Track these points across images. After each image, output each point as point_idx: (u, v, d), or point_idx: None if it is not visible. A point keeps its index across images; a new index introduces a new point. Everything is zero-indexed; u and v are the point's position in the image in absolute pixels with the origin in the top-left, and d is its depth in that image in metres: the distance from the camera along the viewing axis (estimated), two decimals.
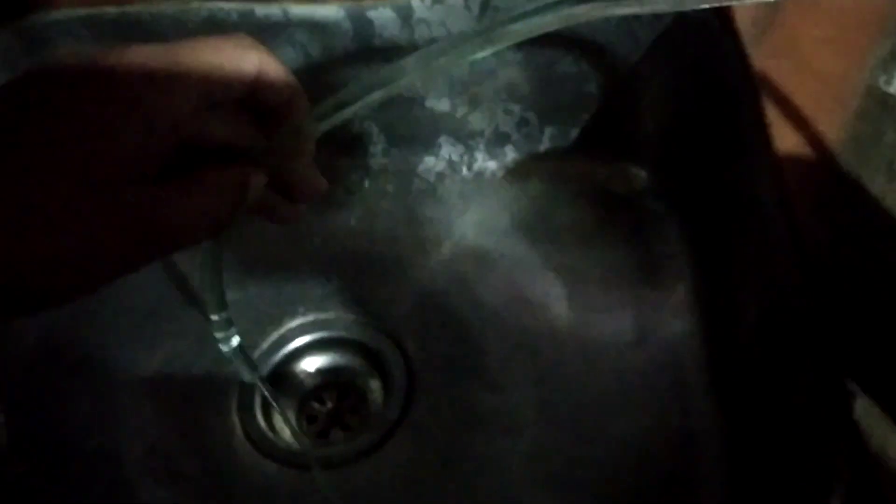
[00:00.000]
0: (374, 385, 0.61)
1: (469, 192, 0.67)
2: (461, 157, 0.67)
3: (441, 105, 0.64)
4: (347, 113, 0.32)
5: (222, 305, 0.39)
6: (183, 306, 0.61)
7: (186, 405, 0.58)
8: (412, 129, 0.65)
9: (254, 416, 0.58)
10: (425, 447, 0.57)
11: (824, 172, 0.41)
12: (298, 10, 0.57)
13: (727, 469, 0.51)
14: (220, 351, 0.42)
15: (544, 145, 0.66)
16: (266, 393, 0.45)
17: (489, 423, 0.58)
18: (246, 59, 0.30)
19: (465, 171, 0.67)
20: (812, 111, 0.43)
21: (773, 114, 0.43)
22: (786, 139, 0.42)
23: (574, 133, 0.65)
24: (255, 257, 0.63)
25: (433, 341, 0.61)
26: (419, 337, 0.61)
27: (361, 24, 0.57)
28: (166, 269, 0.61)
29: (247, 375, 0.43)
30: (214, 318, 0.39)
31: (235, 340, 0.41)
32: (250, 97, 0.31)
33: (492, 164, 0.67)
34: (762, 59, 0.46)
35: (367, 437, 0.58)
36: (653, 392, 0.57)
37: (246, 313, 0.61)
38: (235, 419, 0.58)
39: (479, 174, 0.67)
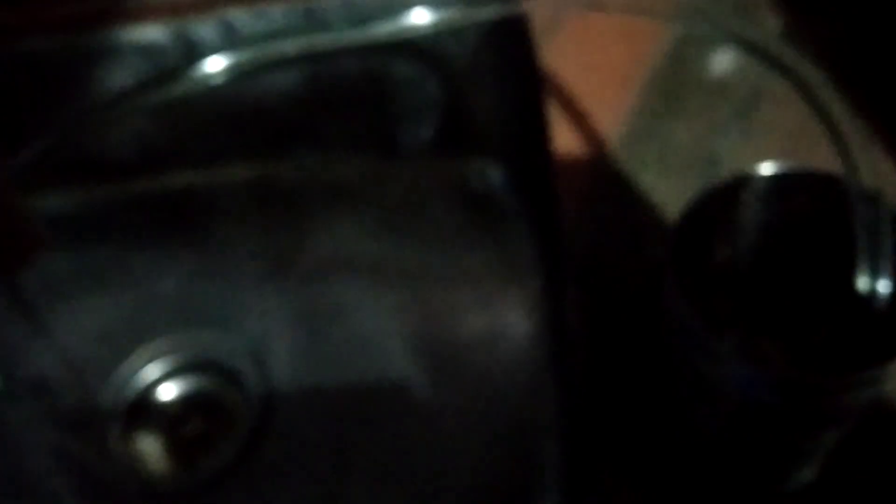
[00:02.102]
0: (239, 404, 0.61)
1: (328, 199, 0.67)
2: (317, 164, 0.66)
3: (293, 113, 0.64)
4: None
5: None
6: (40, 339, 0.61)
7: (48, 437, 0.59)
8: (264, 138, 0.65)
9: (113, 446, 0.58)
10: (284, 463, 0.57)
11: (599, 168, 0.41)
12: (125, 35, 0.56)
13: (566, 458, 0.52)
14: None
15: (398, 148, 0.66)
16: None
17: (350, 427, 0.58)
18: None
19: (323, 178, 0.67)
20: (596, 107, 0.43)
21: (558, 111, 0.43)
22: (567, 136, 0.42)
23: (426, 133, 0.65)
24: (110, 287, 0.63)
25: (293, 354, 0.61)
26: (279, 350, 0.61)
27: (185, 43, 0.57)
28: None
29: None
30: None
31: None
32: None
33: (349, 171, 0.67)
34: (553, 55, 0.45)
35: (227, 457, 0.58)
36: (505, 390, 0.57)
37: (104, 342, 0.61)
38: (95, 448, 0.58)
39: (337, 181, 0.66)
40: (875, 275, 0.25)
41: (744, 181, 0.28)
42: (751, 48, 0.30)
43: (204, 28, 0.56)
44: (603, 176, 0.41)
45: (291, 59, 0.34)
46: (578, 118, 0.43)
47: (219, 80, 0.35)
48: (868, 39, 0.46)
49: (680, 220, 0.27)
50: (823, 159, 0.41)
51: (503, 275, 0.62)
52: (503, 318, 0.60)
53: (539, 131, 0.46)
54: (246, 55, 0.34)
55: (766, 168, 0.29)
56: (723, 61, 0.45)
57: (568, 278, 0.49)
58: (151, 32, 0.57)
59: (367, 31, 0.34)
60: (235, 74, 0.35)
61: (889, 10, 0.47)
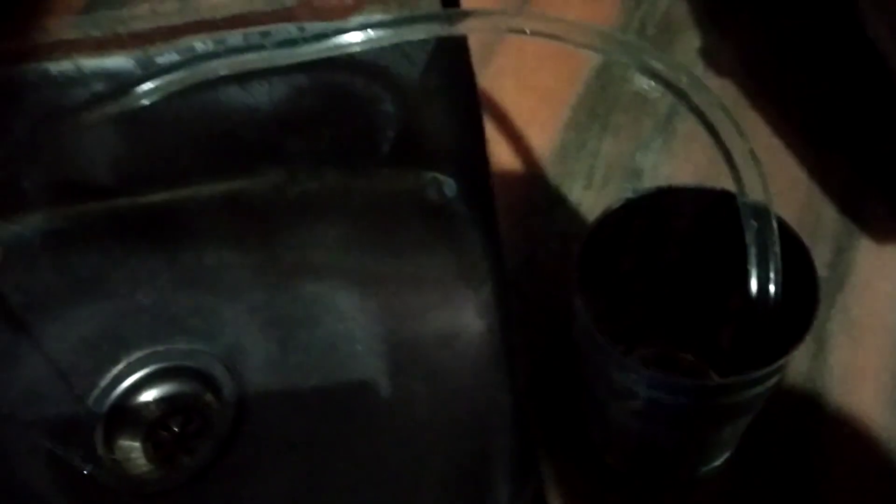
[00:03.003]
0: (214, 407, 0.65)
1: (296, 212, 0.70)
2: (284, 180, 0.70)
3: (260, 134, 0.67)
4: None
5: None
6: (24, 349, 0.65)
7: (30, 444, 0.62)
8: (232, 157, 0.68)
9: (95, 451, 0.61)
10: (258, 463, 0.61)
11: (531, 182, 0.44)
12: (89, 63, 0.59)
13: (518, 445, 0.56)
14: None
15: (359, 164, 0.69)
16: None
17: (321, 426, 0.61)
18: None
19: (289, 193, 0.70)
20: (529, 126, 0.46)
21: (494, 130, 0.47)
22: (503, 152, 0.46)
23: (385, 148, 0.68)
24: (88, 299, 0.66)
25: (265, 360, 0.64)
26: (252, 357, 0.64)
27: (150, 69, 0.60)
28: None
29: None
30: None
31: None
32: None
33: (314, 185, 0.70)
34: (489, 78, 0.49)
35: (204, 457, 0.61)
36: (464, 384, 0.61)
37: (84, 353, 0.65)
38: (77, 454, 0.61)
39: (303, 195, 0.70)
40: (765, 279, 0.29)
41: (644, 199, 0.31)
42: (657, 78, 0.33)
43: (168, 55, 0.59)
44: (535, 189, 0.45)
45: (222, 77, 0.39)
46: (515, 135, 0.47)
47: (153, 98, 0.38)
48: (784, 53, 0.50)
49: (585, 237, 0.30)
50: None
51: (459, 278, 0.66)
52: (460, 318, 0.64)
53: (480, 147, 0.49)
54: (177, 76, 0.38)
55: (662, 187, 0.32)
56: (643, 79, 0.48)
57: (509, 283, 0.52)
58: (117, 60, 0.60)
59: (295, 51, 0.37)
60: (166, 95, 0.39)
61: (803, 26, 0.50)
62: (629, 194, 0.31)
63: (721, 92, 0.48)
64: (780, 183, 0.45)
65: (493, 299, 0.62)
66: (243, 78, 0.63)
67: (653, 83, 0.36)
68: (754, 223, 0.28)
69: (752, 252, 0.29)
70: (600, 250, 0.31)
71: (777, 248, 0.29)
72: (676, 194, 0.32)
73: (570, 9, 0.51)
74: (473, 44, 0.51)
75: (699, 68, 0.48)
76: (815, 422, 0.37)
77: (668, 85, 0.31)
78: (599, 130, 0.46)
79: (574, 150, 0.45)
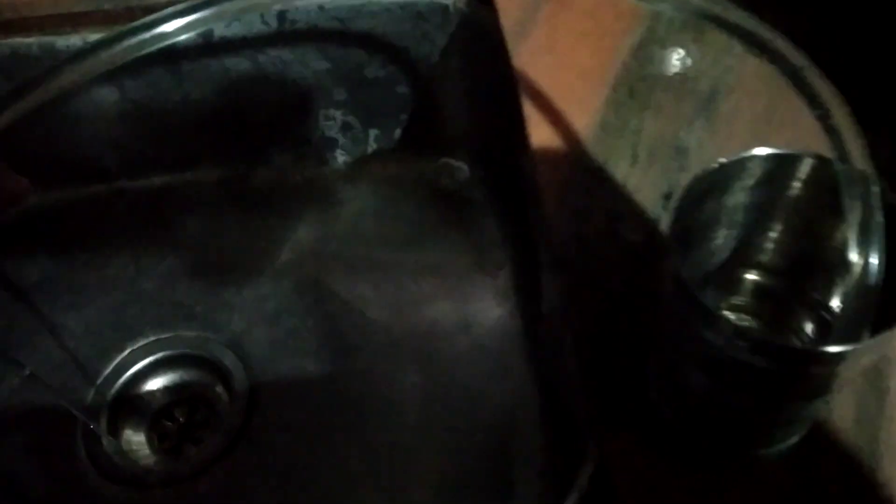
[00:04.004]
0: (223, 397, 0.63)
1: (302, 198, 0.68)
2: (293, 163, 0.68)
3: (265, 116, 0.65)
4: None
5: None
6: (27, 336, 0.62)
7: (32, 434, 0.59)
8: (240, 139, 0.67)
9: (99, 441, 0.59)
10: (268, 454, 0.59)
11: (575, 160, 0.43)
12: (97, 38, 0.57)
13: (542, 435, 0.54)
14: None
15: (371, 147, 0.68)
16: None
17: (332, 417, 0.60)
18: None
19: (298, 177, 0.68)
20: (568, 104, 0.45)
21: (532, 108, 0.45)
22: (542, 132, 0.45)
23: (397, 133, 0.67)
24: (89, 284, 0.64)
25: (275, 348, 0.63)
26: (261, 345, 0.62)
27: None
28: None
29: None
30: None
31: None
32: None
33: (324, 170, 0.68)
34: (524, 56, 0.48)
35: (212, 449, 0.59)
36: (479, 375, 0.60)
37: (87, 340, 0.62)
38: (80, 444, 0.59)
39: (312, 180, 0.68)
40: (866, 249, 0.28)
41: (735, 165, 0.30)
42: (738, 32, 0.32)
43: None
44: (579, 168, 0.44)
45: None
46: (553, 114, 0.46)
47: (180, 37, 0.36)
48: (825, 29, 0.49)
49: (677, 204, 0.29)
50: (787, 145, 0.44)
51: (474, 265, 0.65)
52: (474, 305, 0.62)
53: (513, 129, 0.48)
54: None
55: (758, 151, 0.31)
56: (682, 57, 0.48)
57: (542, 264, 0.51)
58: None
59: None
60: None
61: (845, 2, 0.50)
62: (717, 162, 0.30)
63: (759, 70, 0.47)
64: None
65: (512, 286, 0.61)
66: (254, 55, 0.61)
67: (690, 62, 0.35)
68: (854, 191, 0.27)
69: (852, 221, 0.28)
70: (691, 218, 0.30)
71: (879, 218, 0.28)
72: (770, 161, 0.30)
73: None
74: (506, 22, 0.50)
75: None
76: (881, 410, 0.37)
77: (759, 47, 0.30)
78: (640, 109, 0.45)
79: (616, 129, 0.45)
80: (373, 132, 0.66)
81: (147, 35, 0.34)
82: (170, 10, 0.36)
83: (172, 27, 0.34)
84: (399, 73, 0.61)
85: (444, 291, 0.64)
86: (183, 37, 0.34)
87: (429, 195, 0.67)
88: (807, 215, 0.32)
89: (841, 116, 0.29)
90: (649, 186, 0.41)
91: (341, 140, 0.67)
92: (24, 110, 0.32)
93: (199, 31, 0.34)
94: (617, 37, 0.48)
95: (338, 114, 0.65)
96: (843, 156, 0.28)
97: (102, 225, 0.64)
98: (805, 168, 0.30)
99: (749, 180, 0.31)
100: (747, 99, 0.45)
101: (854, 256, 0.28)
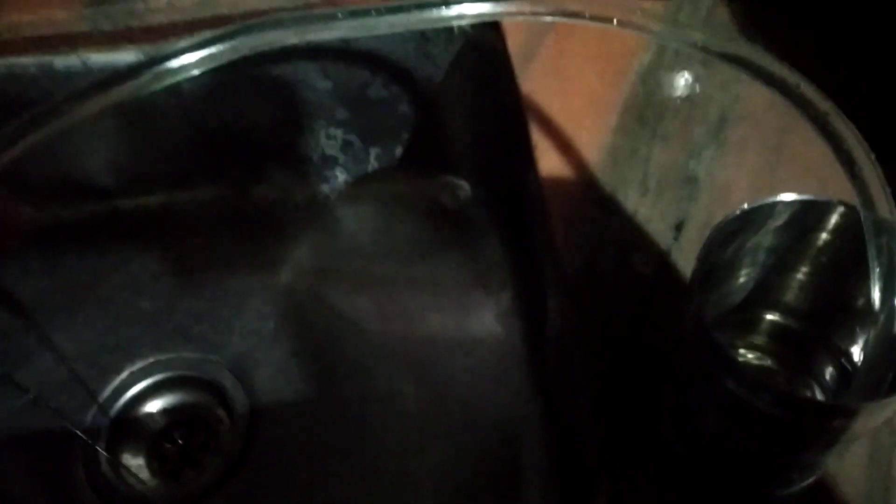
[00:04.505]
0: (224, 420, 0.62)
1: (303, 216, 0.68)
2: (292, 182, 0.67)
3: (265, 134, 0.65)
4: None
5: None
6: (25, 357, 0.61)
7: (30, 456, 0.59)
8: (239, 157, 0.66)
9: (98, 464, 0.58)
10: (269, 476, 0.58)
11: (584, 189, 0.43)
12: (98, 59, 0.57)
13: (546, 453, 0.54)
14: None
15: (372, 166, 0.67)
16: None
17: (334, 439, 0.59)
18: None
19: (297, 196, 0.68)
20: (576, 130, 0.45)
21: (539, 134, 0.45)
22: (551, 158, 0.44)
23: (398, 152, 0.66)
24: (86, 304, 0.63)
25: (276, 369, 0.62)
26: (262, 366, 0.62)
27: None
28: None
29: None
30: None
31: None
32: None
33: (324, 188, 0.68)
34: (531, 80, 0.47)
35: (213, 473, 0.59)
36: (479, 394, 0.59)
37: (84, 361, 0.62)
38: (79, 467, 0.58)
39: (312, 199, 0.68)
40: (889, 298, 0.27)
41: (759, 210, 0.30)
42: (771, 84, 0.31)
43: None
44: (588, 197, 0.43)
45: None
46: (561, 140, 0.46)
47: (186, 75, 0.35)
48: (832, 58, 0.49)
49: (702, 249, 0.29)
50: (794, 176, 0.44)
51: (475, 284, 0.64)
52: (476, 324, 0.62)
53: (517, 149, 0.48)
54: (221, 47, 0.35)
55: (785, 197, 0.30)
56: (691, 84, 0.47)
57: (547, 288, 0.51)
58: (126, 56, 0.57)
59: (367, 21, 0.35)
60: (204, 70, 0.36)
61: (853, 29, 0.50)
62: (744, 206, 0.29)
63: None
64: (832, 189, 0.44)
65: (514, 308, 0.61)
66: (255, 74, 0.60)
67: (698, 88, 0.35)
68: (880, 240, 0.27)
69: (876, 270, 0.27)
70: (715, 260, 0.30)
71: None
72: (795, 207, 0.30)
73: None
74: (512, 45, 0.49)
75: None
76: (894, 455, 0.36)
77: (783, 91, 0.30)
78: (649, 136, 0.45)
79: (625, 157, 0.44)
80: (374, 151, 0.66)
81: (158, 70, 0.34)
82: (184, 43, 0.35)
83: (186, 62, 0.34)
84: (402, 93, 0.61)
85: (446, 311, 0.64)
86: (196, 72, 0.33)
87: (430, 214, 0.67)
88: (831, 261, 0.32)
89: (866, 164, 0.28)
90: (659, 217, 0.41)
91: (342, 158, 0.66)
92: (31, 144, 0.32)
93: (213, 66, 0.33)
94: (625, 61, 0.47)
95: (339, 132, 0.64)
96: (868, 204, 0.28)
97: (99, 244, 0.63)
98: (831, 215, 0.30)
99: (773, 224, 0.31)
100: (757, 127, 0.45)
101: (877, 305, 0.27)
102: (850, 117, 0.34)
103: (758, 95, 0.33)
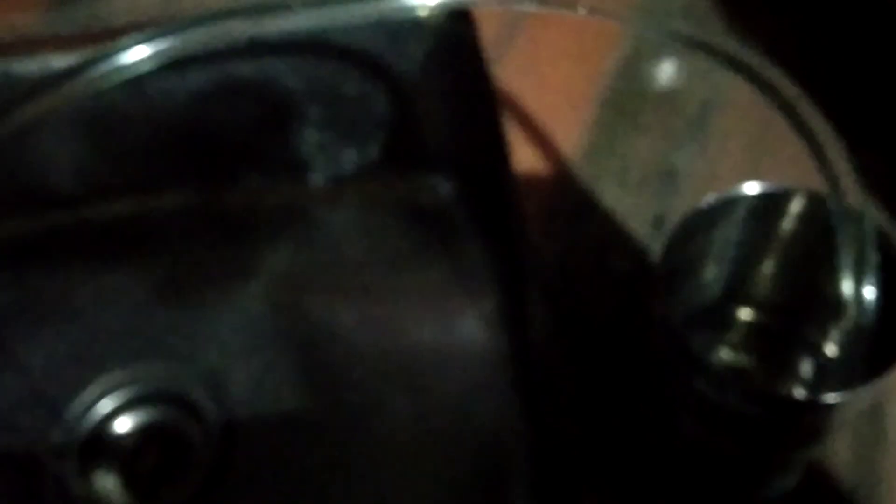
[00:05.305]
0: (198, 436, 0.60)
1: (277, 222, 0.66)
2: (267, 185, 0.66)
3: (234, 135, 0.63)
4: None
5: None
6: None
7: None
8: (210, 162, 0.64)
9: (69, 486, 0.57)
10: (248, 493, 0.56)
11: (562, 184, 0.41)
12: (59, 62, 0.55)
13: (532, 465, 0.53)
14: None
15: (348, 167, 0.65)
16: None
17: (312, 451, 0.57)
18: None
19: (272, 200, 0.66)
20: (553, 124, 0.43)
21: (515, 129, 0.43)
22: (527, 154, 0.43)
23: (376, 152, 0.65)
24: (52, 317, 0.61)
25: (253, 381, 0.60)
26: (238, 379, 0.60)
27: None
28: None
29: None
30: None
31: None
32: None
33: (299, 190, 0.66)
34: (505, 73, 0.46)
35: (189, 490, 0.57)
36: (465, 400, 0.58)
37: (50, 377, 0.60)
38: (50, 488, 0.56)
39: (287, 202, 0.66)
40: (860, 288, 0.26)
41: (728, 201, 0.29)
42: (730, 60, 0.30)
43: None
44: (566, 193, 0.42)
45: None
46: (537, 135, 0.44)
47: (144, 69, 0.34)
48: (813, 49, 0.48)
49: (665, 246, 0.28)
50: (778, 167, 0.42)
51: (458, 289, 0.63)
52: (459, 330, 0.60)
53: (494, 147, 0.46)
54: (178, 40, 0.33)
55: (750, 188, 0.30)
56: (671, 75, 0.46)
57: (529, 292, 0.50)
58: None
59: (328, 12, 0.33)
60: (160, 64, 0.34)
61: (832, 20, 0.49)
62: (709, 199, 0.28)
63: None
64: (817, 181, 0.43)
65: (497, 310, 0.59)
66: (223, 72, 0.59)
67: (679, 79, 0.33)
68: (849, 229, 0.26)
69: (846, 260, 0.26)
70: (681, 256, 0.28)
71: (873, 257, 0.26)
72: (762, 198, 0.29)
73: None
74: (485, 38, 0.48)
75: None
76: (878, 451, 0.35)
77: (753, 79, 0.28)
78: (628, 129, 0.43)
79: (604, 151, 0.43)
80: (350, 151, 0.64)
81: (110, 66, 0.32)
82: (135, 36, 0.33)
83: (137, 57, 0.32)
84: (376, 90, 0.59)
85: (428, 315, 0.62)
86: (148, 68, 0.32)
87: (409, 214, 0.65)
88: (800, 251, 0.31)
89: (835, 152, 0.27)
90: (639, 211, 0.39)
91: (317, 160, 0.64)
92: None
93: (166, 60, 0.31)
94: (602, 52, 0.46)
95: (313, 133, 0.63)
96: (837, 192, 0.26)
97: (65, 254, 0.62)
98: (797, 204, 0.29)
99: (739, 216, 0.29)
100: (738, 118, 0.43)
101: (849, 296, 0.26)
102: (830, 106, 0.32)
103: (739, 85, 0.31)
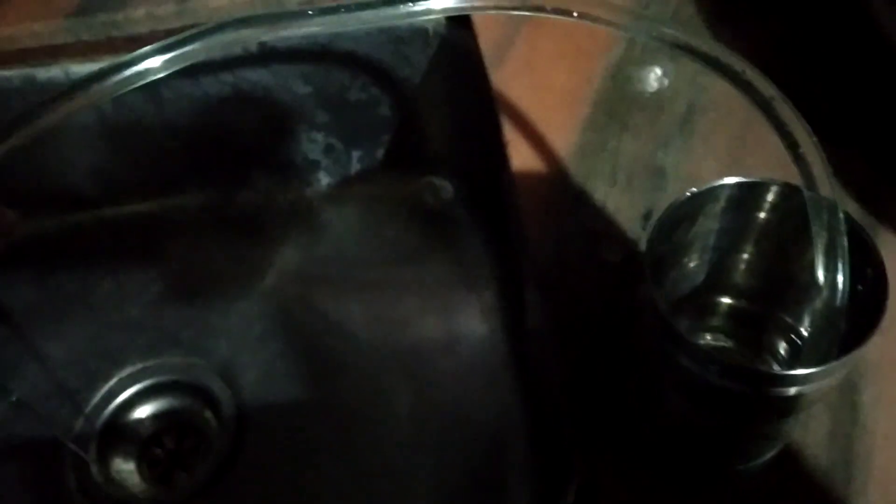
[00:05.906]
0: (212, 423, 0.63)
1: (287, 220, 0.69)
2: (276, 187, 0.68)
3: (246, 139, 0.66)
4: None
5: None
6: (13, 367, 0.62)
7: (20, 465, 0.59)
8: (223, 164, 0.67)
9: (89, 471, 0.59)
10: (259, 479, 0.59)
11: (556, 182, 0.44)
12: (79, 69, 0.57)
13: (531, 451, 0.55)
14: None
15: (354, 168, 0.68)
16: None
17: (322, 440, 0.60)
18: None
19: (281, 200, 0.69)
20: (548, 125, 0.46)
21: (512, 130, 0.46)
22: (523, 153, 0.45)
23: (380, 154, 0.67)
24: (74, 312, 0.64)
25: (264, 372, 0.63)
26: (250, 370, 0.63)
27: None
28: None
29: None
30: None
31: None
32: None
33: (307, 192, 0.69)
34: (503, 78, 0.48)
35: (203, 476, 0.59)
36: (465, 391, 0.60)
37: (73, 369, 0.62)
38: (70, 473, 0.59)
39: (295, 202, 0.69)
40: (833, 273, 0.29)
41: (709, 193, 0.31)
42: (709, 61, 0.33)
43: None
44: (559, 189, 0.44)
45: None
46: (533, 135, 0.47)
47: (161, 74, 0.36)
48: (796, 51, 0.50)
49: (650, 235, 0.30)
50: (759, 164, 0.45)
51: (459, 283, 0.65)
52: (461, 323, 0.63)
53: (493, 148, 0.49)
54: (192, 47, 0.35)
55: (729, 180, 0.32)
56: (658, 78, 0.48)
57: (526, 283, 0.52)
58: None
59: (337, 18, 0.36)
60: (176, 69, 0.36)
61: (815, 23, 0.51)
62: (691, 191, 0.30)
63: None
64: (794, 175, 0.45)
65: (497, 304, 0.61)
66: (235, 80, 0.61)
67: (666, 82, 0.36)
68: (821, 217, 0.28)
69: (819, 246, 0.28)
70: (666, 245, 0.31)
71: (845, 243, 0.29)
72: (741, 189, 0.31)
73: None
74: (484, 45, 0.50)
75: None
76: (854, 422, 0.37)
77: (730, 78, 0.31)
78: (619, 129, 0.46)
79: (595, 150, 0.45)
80: (356, 153, 0.67)
81: (131, 72, 0.34)
82: (155, 45, 0.36)
83: (157, 63, 0.34)
84: (381, 95, 0.62)
85: (431, 310, 0.65)
86: (165, 73, 0.34)
87: (413, 214, 0.68)
88: (776, 240, 0.33)
89: (808, 147, 0.29)
90: (628, 207, 0.41)
91: (324, 162, 0.67)
92: (8, 148, 0.33)
93: (183, 65, 0.34)
94: (595, 57, 0.48)
95: (320, 136, 0.65)
96: (811, 184, 0.29)
97: (86, 252, 0.64)
98: (773, 195, 0.31)
99: (719, 207, 0.32)
100: (722, 117, 0.46)
101: (821, 280, 0.28)
102: (807, 106, 0.35)
103: (723, 86, 0.33)
